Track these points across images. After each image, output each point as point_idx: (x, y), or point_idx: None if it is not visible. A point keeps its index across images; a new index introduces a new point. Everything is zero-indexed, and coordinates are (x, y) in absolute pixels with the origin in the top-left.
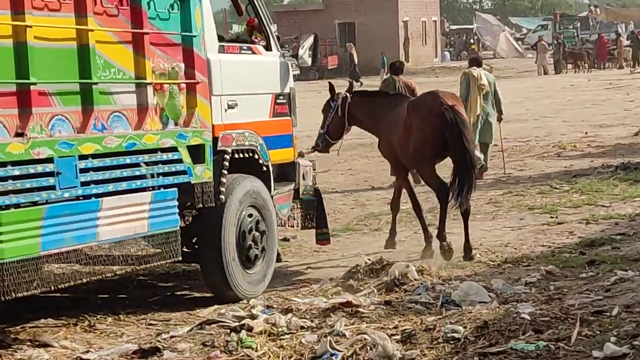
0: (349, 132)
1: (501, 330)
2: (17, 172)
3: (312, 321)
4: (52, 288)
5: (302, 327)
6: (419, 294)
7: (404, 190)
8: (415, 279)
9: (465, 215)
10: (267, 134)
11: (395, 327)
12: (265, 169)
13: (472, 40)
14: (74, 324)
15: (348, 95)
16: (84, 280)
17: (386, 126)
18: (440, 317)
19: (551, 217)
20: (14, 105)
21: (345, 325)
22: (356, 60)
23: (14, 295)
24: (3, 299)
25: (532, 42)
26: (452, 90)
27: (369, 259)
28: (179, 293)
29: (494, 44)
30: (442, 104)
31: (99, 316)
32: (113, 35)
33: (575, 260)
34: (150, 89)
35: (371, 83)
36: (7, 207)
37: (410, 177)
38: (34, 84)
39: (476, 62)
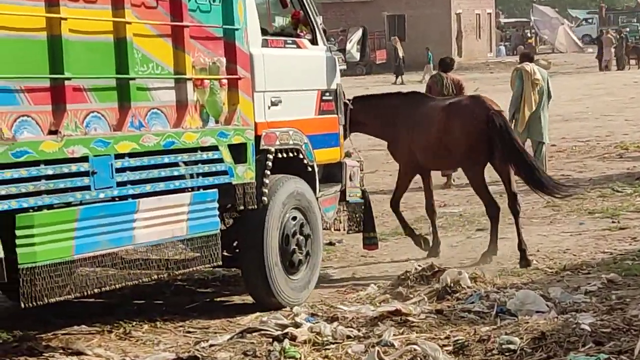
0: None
1: (559, 341)
2: (50, 172)
3: (359, 330)
4: (86, 293)
5: (348, 337)
6: (472, 303)
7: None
8: (468, 287)
9: (516, 215)
10: (312, 133)
11: (447, 338)
12: (310, 169)
13: (529, 34)
14: (109, 331)
15: (348, 102)
16: (119, 285)
17: (405, 128)
18: (495, 327)
19: (613, 222)
20: (47, 102)
21: (394, 335)
22: (401, 55)
23: (46, 301)
24: (35, 304)
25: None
26: (504, 87)
27: (419, 265)
28: (218, 299)
29: (552, 37)
30: (489, 108)
31: (134, 323)
32: (151, 28)
33: (639, 268)
34: (190, 85)
35: (420, 79)
36: (40, 208)
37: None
38: (69, 79)
39: (528, 57)
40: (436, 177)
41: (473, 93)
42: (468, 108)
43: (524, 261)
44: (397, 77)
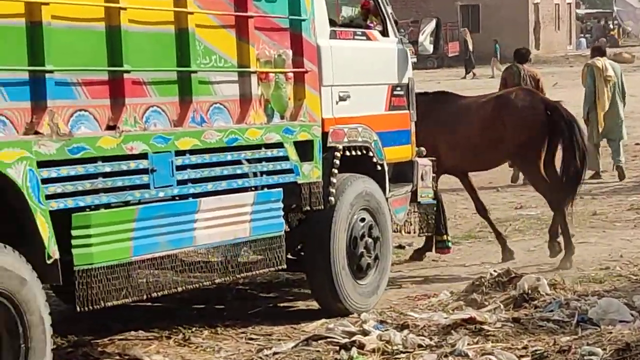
0: None
1: None
2: (108, 169)
3: (430, 339)
4: (144, 297)
5: (419, 346)
6: (552, 311)
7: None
8: (547, 294)
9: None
10: (382, 129)
11: (524, 348)
12: (379, 168)
13: (611, 26)
14: (167, 337)
15: None
16: (179, 289)
17: (431, 128)
18: (576, 337)
19: None
20: (105, 95)
21: (468, 344)
22: (471, 48)
23: (102, 304)
24: (91, 308)
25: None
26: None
27: (495, 271)
28: (282, 305)
29: (637, 29)
30: (546, 101)
31: (194, 329)
32: (214, 19)
33: None
34: (254, 79)
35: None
36: (97, 207)
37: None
38: (128, 71)
39: (599, 51)
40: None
41: (548, 88)
42: (522, 100)
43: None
44: (467, 71)
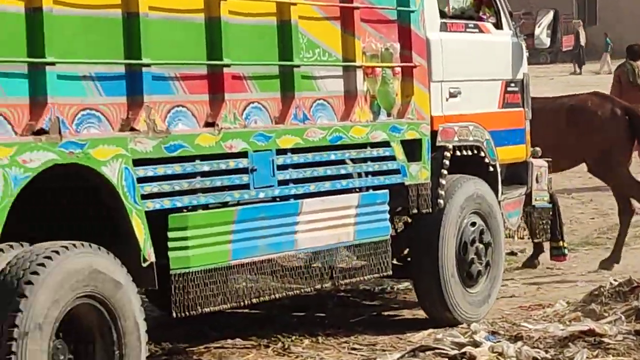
0: None
1: None
2: (206, 168)
3: (546, 352)
4: (242, 303)
5: (534, 359)
6: None
7: None
8: None
9: None
10: (495, 128)
11: None
12: (491, 169)
13: None
14: (265, 346)
15: None
16: (278, 296)
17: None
18: None
19: None
20: (204, 91)
21: (587, 357)
22: (583, 42)
23: (199, 310)
24: (187, 314)
25: None
26: None
27: (615, 280)
28: (386, 313)
29: None
30: (623, 104)
31: (294, 337)
32: (318, 10)
33: None
34: (359, 73)
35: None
36: (195, 208)
37: None
38: (228, 65)
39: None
40: None
41: None
42: (600, 106)
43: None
44: (576, 67)
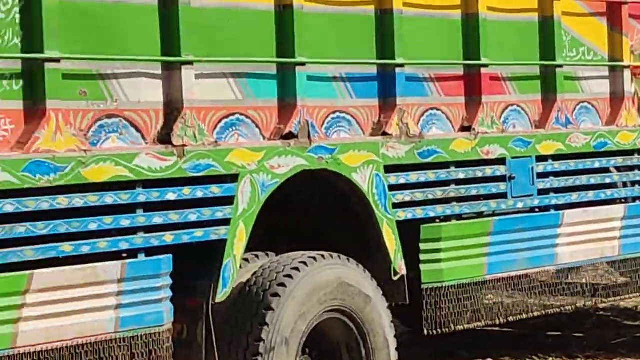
0: None
1: None
2: (461, 175)
3: None
4: (496, 321)
5: None
6: None
7: None
8: None
9: None
10: None
11: None
12: None
13: None
14: None
15: None
16: (535, 314)
17: None
18: None
19: None
20: (460, 93)
21: None
22: None
23: (451, 328)
24: (439, 331)
25: None
26: None
27: None
28: None
29: None
30: None
31: (549, 359)
32: (583, 6)
33: None
34: (627, 74)
35: None
36: (448, 218)
37: None
38: (486, 66)
39: None
40: None
41: None
42: None
43: None
44: None
